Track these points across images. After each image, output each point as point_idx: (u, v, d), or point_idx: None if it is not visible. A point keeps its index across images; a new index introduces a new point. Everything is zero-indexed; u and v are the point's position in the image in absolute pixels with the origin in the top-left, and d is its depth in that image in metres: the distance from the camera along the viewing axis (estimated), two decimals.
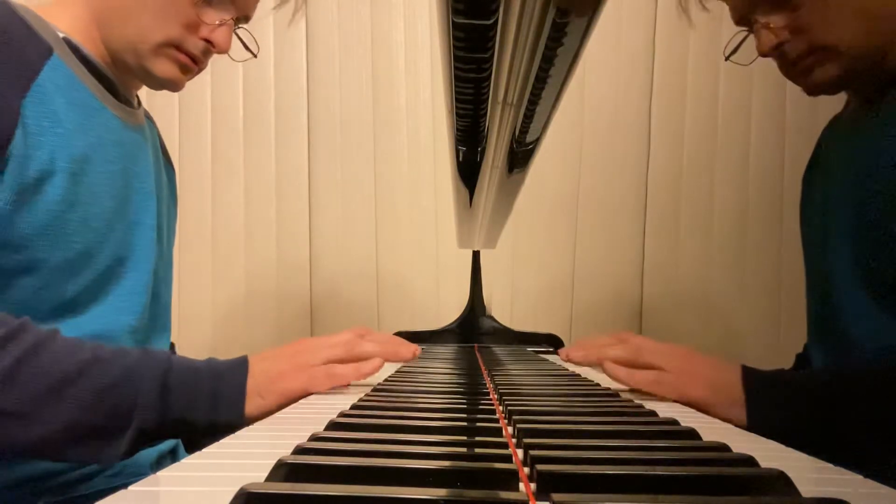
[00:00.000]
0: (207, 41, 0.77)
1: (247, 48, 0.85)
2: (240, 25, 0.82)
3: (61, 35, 0.71)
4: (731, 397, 0.64)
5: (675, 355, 0.69)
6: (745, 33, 0.81)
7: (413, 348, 0.74)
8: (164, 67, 0.77)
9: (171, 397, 0.60)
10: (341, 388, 0.69)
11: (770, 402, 0.64)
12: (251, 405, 0.63)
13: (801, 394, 0.64)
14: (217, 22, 0.77)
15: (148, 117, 0.90)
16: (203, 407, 0.61)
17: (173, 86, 0.80)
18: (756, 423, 0.63)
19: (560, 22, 0.39)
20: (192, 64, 0.78)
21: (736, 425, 0.63)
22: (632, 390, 0.70)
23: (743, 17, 0.79)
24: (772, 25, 0.75)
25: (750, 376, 0.66)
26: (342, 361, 0.69)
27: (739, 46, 0.82)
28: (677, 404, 0.64)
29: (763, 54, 0.77)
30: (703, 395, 0.65)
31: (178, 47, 0.76)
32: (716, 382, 0.65)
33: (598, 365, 0.73)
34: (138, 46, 0.75)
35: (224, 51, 0.79)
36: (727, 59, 0.84)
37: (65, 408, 0.56)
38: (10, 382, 0.55)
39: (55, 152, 0.67)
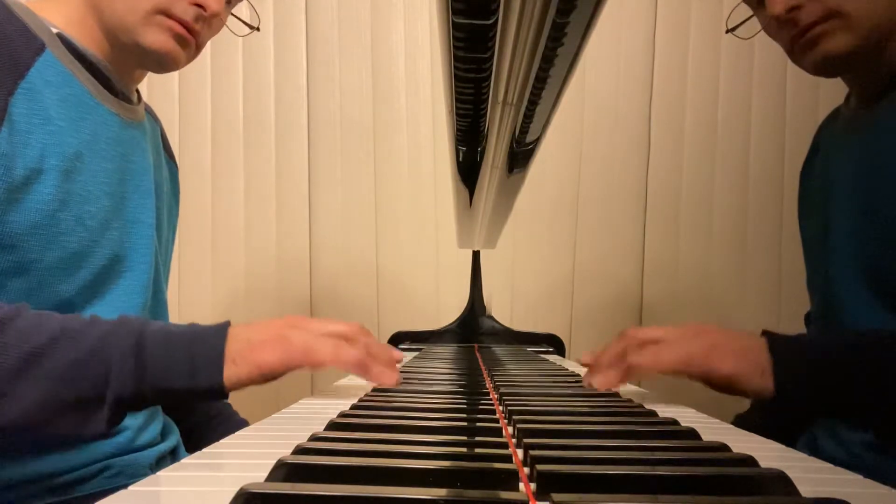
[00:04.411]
0: (197, 5, 0.76)
1: (247, 25, 0.83)
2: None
3: (55, 31, 0.71)
4: (759, 365, 0.61)
5: (693, 333, 0.65)
6: (749, 10, 0.80)
7: (396, 378, 0.67)
8: (156, 38, 0.75)
9: (145, 364, 0.58)
10: (340, 395, 0.69)
11: (798, 366, 0.61)
12: (228, 372, 0.60)
13: (828, 356, 0.62)
14: None
15: (149, 112, 0.89)
16: (180, 373, 0.59)
17: (171, 61, 0.78)
18: (784, 391, 0.60)
19: (560, 22, 0.39)
20: (186, 33, 0.76)
21: (762, 396, 0.61)
22: (655, 399, 0.69)
23: None
24: None
25: (776, 342, 0.62)
26: None
27: (744, 22, 0.80)
28: (677, 404, 0.64)
29: (776, 17, 0.74)
30: (731, 369, 0.61)
31: (168, 14, 0.74)
32: (741, 351, 0.62)
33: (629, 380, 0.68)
34: (128, 18, 0.74)
35: (215, 12, 0.77)
36: (728, 31, 0.82)
37: (38, 383, 0.55)
38: None
39: (46, 150, 0.66)
